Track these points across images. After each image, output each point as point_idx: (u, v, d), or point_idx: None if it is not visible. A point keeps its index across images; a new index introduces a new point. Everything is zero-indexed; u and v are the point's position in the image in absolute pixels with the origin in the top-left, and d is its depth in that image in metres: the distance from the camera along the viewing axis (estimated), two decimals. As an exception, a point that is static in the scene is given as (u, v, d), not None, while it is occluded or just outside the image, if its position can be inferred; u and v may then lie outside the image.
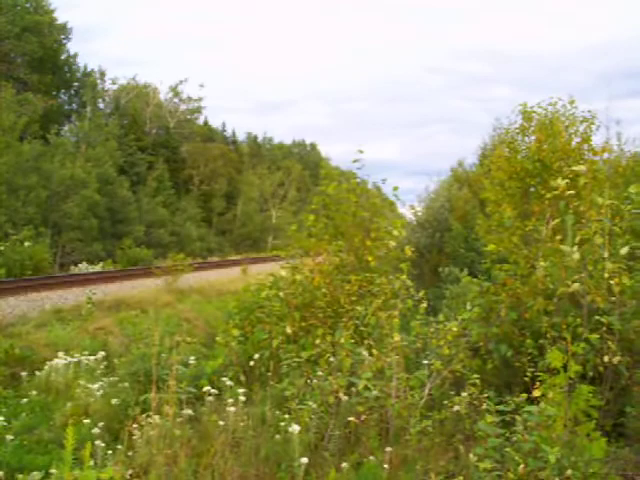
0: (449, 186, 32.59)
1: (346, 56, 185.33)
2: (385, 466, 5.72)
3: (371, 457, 5.94)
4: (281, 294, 9.37)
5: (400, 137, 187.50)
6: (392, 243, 9.93)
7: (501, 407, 5.73)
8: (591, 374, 7.05)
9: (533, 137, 15.58)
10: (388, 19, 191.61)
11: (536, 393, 5.81)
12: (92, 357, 11.48)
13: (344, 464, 5.68)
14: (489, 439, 5.29)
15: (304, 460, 5.60)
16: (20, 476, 5.83)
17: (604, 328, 7.09)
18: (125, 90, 68.11)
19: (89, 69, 59.12)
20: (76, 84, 57.40)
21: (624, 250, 7.37)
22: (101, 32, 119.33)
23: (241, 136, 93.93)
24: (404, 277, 8.79)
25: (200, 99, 75.15)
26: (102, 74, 63.28)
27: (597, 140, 16.32)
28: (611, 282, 7.41)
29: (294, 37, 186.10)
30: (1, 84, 39.05)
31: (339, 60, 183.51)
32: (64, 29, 54.34)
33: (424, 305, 9.13)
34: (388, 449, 5.97)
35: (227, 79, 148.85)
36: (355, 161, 11.04)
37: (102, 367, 11.11)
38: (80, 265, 33.59)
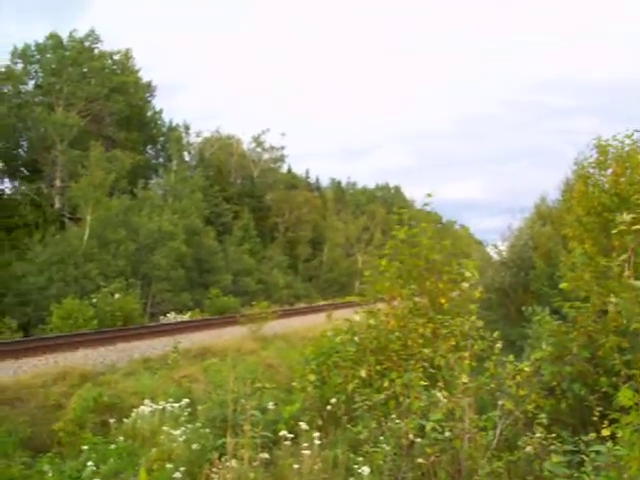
0: (532, 223, 32.15)
1: (426, 95, 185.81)
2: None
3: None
4: (356, 339, 9.47)
5: (483, 174, 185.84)
6: (465, 285, 9.93)
7: (569, 447, 5.67)
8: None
9: (610, 170, 15.34)
10: (466, 56, 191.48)
11: (605, 432, 5.73)
12: (176, 404, 11.73)
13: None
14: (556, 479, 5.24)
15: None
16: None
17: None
18: (209, 142, 69.95)
19: (174, 124, 61.16)
20: (162, 139, 59.44)
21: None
22: (185, 88, 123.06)
23: (325, 182, 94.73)
24: (473, 318, 8.79)
25: (282, 147, 76.42)
26: (187, 128, 65.09)
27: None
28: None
29: (374, 80, 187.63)
30: (91, 143, 40.62)
31: (420, 100, 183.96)
32: (149, 87, 56.52)
33: (499, 345, 9.09)
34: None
35: (310, 126, 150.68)
36: (425, 204, 11.13)
37: (186, 414, 11.33)
38: (169, 315, 34.43)
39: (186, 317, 33.84)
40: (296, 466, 6.83)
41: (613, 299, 7.70)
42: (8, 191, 45.77)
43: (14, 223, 39.46)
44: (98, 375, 15.18)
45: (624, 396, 5.98)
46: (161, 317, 34.78)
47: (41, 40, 48.17)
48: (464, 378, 6.86)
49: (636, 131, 15.33)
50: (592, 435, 5.85)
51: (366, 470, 6.13)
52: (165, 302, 38.62)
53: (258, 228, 63.18)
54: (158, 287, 38.56)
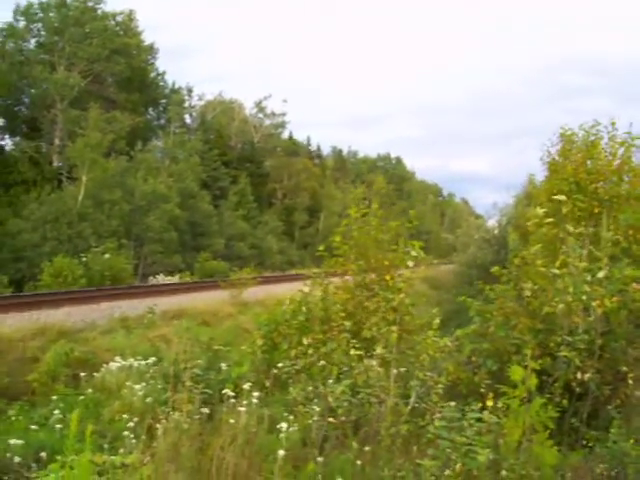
0: (518, 202, 32.85)
1: (439, 68, 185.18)
2: (358, 462, 6.51)
3: (349, 453, 6.74)
4: (304, 308, 10.25)
5: (493, 151, 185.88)
6: (410, 263, 10.65)
7: (450, 414, 6.42)
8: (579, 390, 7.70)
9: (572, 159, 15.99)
10: (482, 32, 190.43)
11: (489, 403, 6.51)
12: (144, 362, 12.53)
13: (320, 458, 6.51)
14: (438, 441, 6.02)
15: (281, 452, 6.44)
16: (58, 457, 6.87)
17: (582, 347, 7.73)
18: (211, 106, 70.36)
19: (177, 86, 61.54)
20: (164, 101, 59.71)
21: (601, 274, 7.98)
22: (190, 51, 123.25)
23: (326, 150, 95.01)
24: (402, 295, 9.52)
25: (284, 114, 76.66)
26: (189, 91, 65.56)
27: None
28: (592, 304, 8.02)
29: (387, 51, 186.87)
30: (89, 104, 41.18)
31: (433, 74, 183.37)
32: (151, 50, 56.83)
33: (437, 321, 9.90)
34: (366, 448, 6.76)
35: (318, 93, 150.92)
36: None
37: (151, 371, 12.15)
38: (158, 276, 35.25)
39: (175, 279, 34.66)
40: (232, 421, 7.61)
41: (529, 284, 8.46)
42: (8, 148, 46.47)
43: (12, 180, 40.17)
44: (76, 332, 15.97)
45: (514, 372, 6.77)
46: (150, 278, 35.60)
47: (44, -1, 48.49)
48: (379, 349, 7.62)
49: (598, 123, 15.94)
50: (478, 404, 6.62)
51: (284, 426, 6.89)
52: (157, 263, 39.47)
53: (256, 193, 63.74)
54: (150, 248, 39.39)
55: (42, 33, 48.38)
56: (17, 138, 46.68)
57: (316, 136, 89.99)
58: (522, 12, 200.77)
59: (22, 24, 47.60)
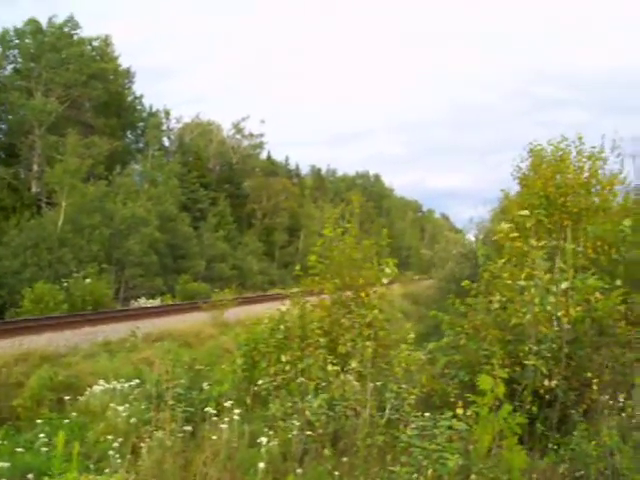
0: (493, 217, 33.26)
1: (417, 83, 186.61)
2: (336, 473, 6.78)
3: (327, 465, 7.02)
4: (282, 327, 10.53)
5: (472, 166, 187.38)
6: (384, 280, 10.96)
7: (423, 423, 6.71)
8: (548, 397, 8.02)
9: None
10: (461, 46, 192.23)
11: (459, 411, 6.82)
12: (127, 384, 12.74)
13: (299, 470, 6.78)
14: (411, 449, 6.31)
15: (262, 465, 6.71)
16: (45, 478, 7.10)
17: (549, 355, 8.07)
18: (189, 128, 70.71)
19: (154, 109, 61.91)
20: (141, 124, 59.97)
21: (564, 285, 8.33)
22: (170, 72, 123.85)
23: (305, 169, 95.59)
24: (375, 312, 9.82)
25: (262, 135, 77.32)
26: (167, 113, 66.06)
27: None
28: (558, 314, 8.37)
29: (365, 68, 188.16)
30: (67, 130, 41.37)
31: (410, 88, 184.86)
32: (128, 74, 57.21)
33: (411, 335, 10.22)
34: (344, 459, 7.05)
35: (296, 112, 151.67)
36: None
37: (135, 393, 12.36)
38: (140, 300, 35.41)
39: (157, 302, 34.84)
40: (214, 437, 7.87)
41: (497, 297, 8.80)
42: (-15, 175, 46.34)
43: (-9, 206, 40.08)
44: (59, 357, 16.13)
45: (483, 381, 7.08)
46: (132, 301, 35.75)
47: (20, 25, 48.75)
48: (354, 363, 7.92)
49: (566, 139, 16.39)
50: (448, 413, 6.92)
51: (264, 440, 7.17)
52: (138, 287, 39.59)
53: (235, 214, 64.11)
54: (131, 272, 39.47)
55: (18, 59, 48.58)
56: (-6, 165, 46.57)
57: (295, 155, 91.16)
58: (498, 27, 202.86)
59: (-2, 51, 47.74)
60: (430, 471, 5.95)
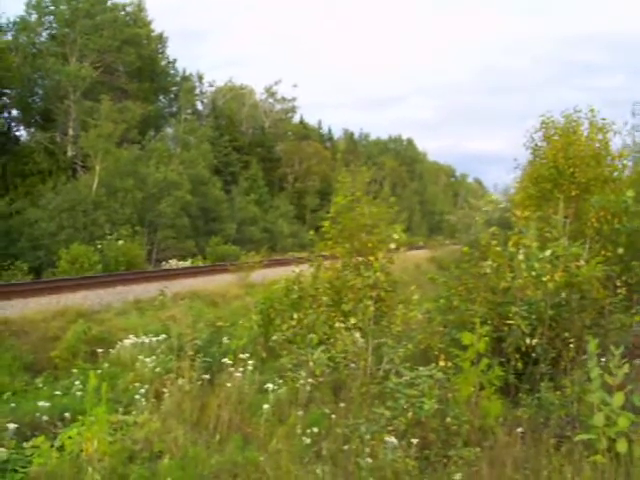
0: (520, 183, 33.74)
1: (454, 48, 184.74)
2: (332, 415, 7.67)
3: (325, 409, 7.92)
4: (295, 287, 11.44)
5: (508, 130, 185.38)
6: (392, 245, 11.74)
7: (409, 373, 7.55)
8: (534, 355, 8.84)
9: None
10: (497, 10, 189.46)
11: (441, 363, 7.67)
12: (155, 338, 13.73)
13: (300, 412, 7.69)
14: (395, 395, 7.17)
15: (266, 406, 7.64)
16: (80, 417, 8.07)
17: (534, 317, 8.88)
18: (222, 92, 71.35)
19: (187, 73, 62.66)
20: (174, 89, 60.70)
21: (547, 252, 9.10)
22: (204, 34, 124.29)
23: (337, 133, 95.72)
24: (378, 274, 10.61)
25: (294, 99, 77.83)
26: (200, 77, 66.76)
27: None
28: (543, 279, 9.15)
29: (399, 31, 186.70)
30: (101, 96, 42.32)
31: (446, 53, 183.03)
32: (161, 39, 57.94)
33: (415, 297, 11.08)
34: (341, 405, 7.95)
35: (330, 76, 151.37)
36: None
37: (162, 347, 13.36)
38: (171, 261, 36.52)
39: (187, 264, 35.93)
40: (228, 384, 8.81)
41: (488, 262, 9.60)
42: (23, 139, 47.74)
43: (29, 170, 41.22)
44: (93, 313, 17.24)
45: (465, 337, 7.93)
46: (164, 263, 36.86)
47: (55, -8, 49.50)
48: (352, 320, 8.81)
49: (579, 110, 16.90)
50: (435, 365, 7.77)
51: (270, 386, 8.11)
52: (170, 249, 40.70)
53: (267, 178, 64.86)
54: (163, 234, 40.55)
55: (54, 25, 49.36)
56: (32, 129, 47.75)
57: (327, 119, 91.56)
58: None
59: (34, 17, 48.62)
60: (410, 414, 6.81)
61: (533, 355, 8.82)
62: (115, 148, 39.83)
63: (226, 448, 6.96)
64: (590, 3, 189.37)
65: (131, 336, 13.78)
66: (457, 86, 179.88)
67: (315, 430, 7.11)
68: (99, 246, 30.37)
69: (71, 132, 45.45)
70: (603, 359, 6.87)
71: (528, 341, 8.66)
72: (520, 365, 8.75)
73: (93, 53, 47.48)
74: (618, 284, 10.58)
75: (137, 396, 8.85)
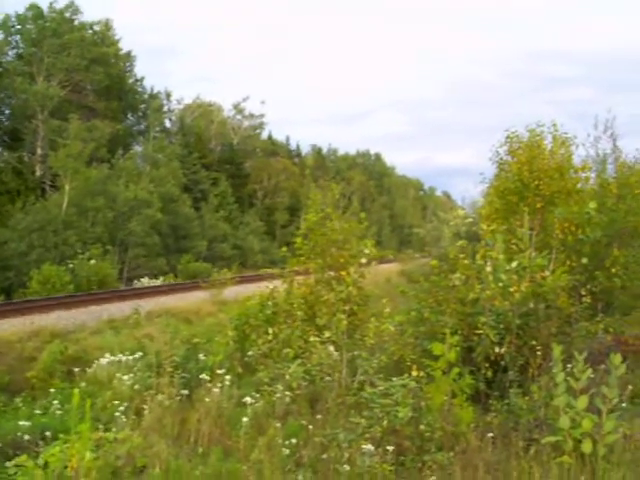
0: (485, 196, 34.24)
1: (423, 62, 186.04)
2: (310, 427, 7.91)
3: (302, 420, 8.15)
4: (269, 303, 11.69)
5: (477, 143, 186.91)
6: (363, 260, 12.02)
7: (383, 383, 7.82)
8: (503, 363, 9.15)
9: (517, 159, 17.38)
10: (468, 25, 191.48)
11: (414, 373, 7.95)
12: (131, 357, 13.88)
13: (278, 424, 7.91)
14: (370, 404, 7.44)
15: (245, 419, 7.86)
16: (61, 435, 8.21)
17: (502, 326, 9.21)
18: (190, 109, 71.54)
19: (155, 91, 62.79)
20: (143, 106, 60.70)
21: (514, 264, 9.45)
22: (174, 52, 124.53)
23: (306, 149, 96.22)
24: (350, 288, 10.89)
25: (262, 115, 78.17)
26: (168, 95, 66.83)
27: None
28: (510, 290, 9.48)
29: (368, 46, 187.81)
30: (70, 115, 42.29)
31: (414, 67, 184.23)
32: (129, 57, 58.04)
33: (387, 310, 11.38)
34: (318, 416, 8.19)
35: (299, 92, 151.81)
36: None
37: (138, 365, 13.50)
38: (142, 279, 36.56)
39: (159, 282, 36.00)
40: (207, 399, 9.02)
41: (457, 274, 9.92)
42: (-10, 159, 47.38)
43: (-4, 190, 41.10)
44: (68, 333, 17.36)
45: (435, 348, 8.21)
46: (135, 281, 36.89)
47: (21, 11, 49.55)
48: (327, 334, 9.07)
49: (542, 124, 17.34)
50: (406, 375, 8.05)
51: (248, 400, 8.33)
52: (141, 267, 40.69)
53: (236, 195, 64.98)
54: (134, 253, 40.59)
55: (21, 45, 49.32)
56: (-1, 149, 47.64)
57: (296, 134, 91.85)
58: (498, 3, 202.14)
59: (0, 37, 48.50)
60: (385, 422, 7.07)
61: (502, 363, 9.12)
62: (84, 167, 39.80)
63: (208, 460, 7.16)
64: (556, 19, 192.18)
65: (107, 355, 13.92)
66: (425, 100, 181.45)
67: (294, 441, 7.34)
68: (70, 266, 30.36)
69: (39, 151, 45.28)
70: (569, 365, 7.19)
71: (497, 350, 8.97)
72: (490, 373, 9.06)
73: (61, 72, 47.45)
74: (583, 293, 11.01)
75: (117, 413, 9.01)
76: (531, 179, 16.22)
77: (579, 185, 17.05)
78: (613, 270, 14.21)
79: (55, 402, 10.77)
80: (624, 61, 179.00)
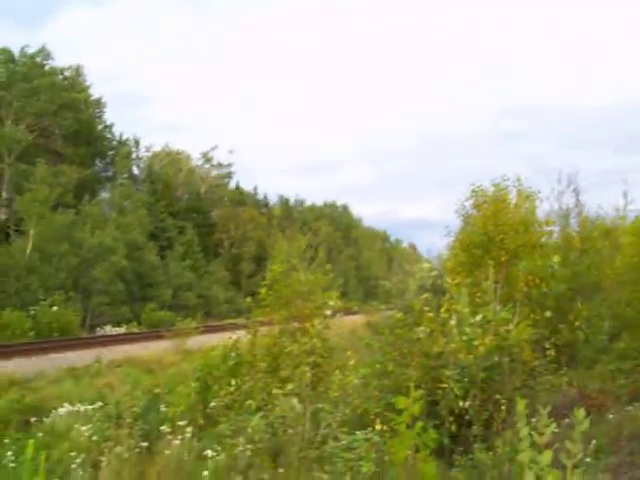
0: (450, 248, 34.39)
1: (389, 114, 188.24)
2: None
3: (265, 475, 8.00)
4: (233, 354, 11.56)
5: (442, 196, 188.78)
6: (328, 311, 11.99)
7: (347, 437, 7.73)
8: (468, 417, 9.08)
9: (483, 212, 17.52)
10: (435, 81, 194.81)
11: (377, 427, 7.87)
12: (90, 407, 13.60)
13: (239, 478, 7.76)
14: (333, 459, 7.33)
15: (205, 473, 7.69)
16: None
17: (467, 380, 9.17)
18: (158, 157, 71.52)
19: (124, 138, 62.81)
20: (111, 153, 60.65)
21: (478, 317, 9.46)
22: (141, 101, 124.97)
23: (273, 199, 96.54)
24: (314, 340, 10.83)
25: (230, 164, 78.51)
26: (137, 142, 66.82)
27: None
28: (475, 343, 9.48)
29: (341, 99, 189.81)
30: (37, 160, 42.10)
31: (384, 120, 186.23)
32: (98, 103, 58.11)
33: (352, 362, 11.30)
34: (280, 470, 8.04)
35: (266, 143, 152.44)
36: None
37: (98, 415, 13.22)
38: (105, 327, 36.11)
39: (122, 330, 35.57)
40: (167, 452, 8.83)
41: (422, 328, 9.90)
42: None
43: (-40, 234, 40.65)
44: (27, 381, 17.00)
45: (399, 402, 8.14)
46: (98, 329, 36.41)
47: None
48: (290, 386, 8.96)
49: (506, 179, 17.53)
50: (372, 429, 7.96)
51: (209, 453, 8.16)
52: (104, 315, 40.24)
53: (203, 243, 64.80)
54: (97, 300, 40.18)
55: (-11, 88, 49.21)
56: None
57: (263, 184, 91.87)
58: (469, 61, 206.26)
59: (-30, 79, 48.38)
60: (348, 477, 6.96)
61: (466, 417, 9.06)
62: (50, 212, 39.53)
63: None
64: (523, 77, 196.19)
65: (66, 404, 13.65)
66: (393, 153, 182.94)
67: (255, 496, 7.20)
68: (32, 312, 29.90)
69: (5, 195, 44.97)
70: (534, 419, 7.15)
71: (461, 403, 8.92)
72: (454, 427, 8.99)
73: (29, 116, 47.38)
74: (547, 346, 11.02)
75: (73, 465, 8.77)
76: (496, 233, 16.32)
77: (543, 239, 17.16)
78: (576, 323, 14.27)
79: (9, 453, 10.46)
80: (585, 117, 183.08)
